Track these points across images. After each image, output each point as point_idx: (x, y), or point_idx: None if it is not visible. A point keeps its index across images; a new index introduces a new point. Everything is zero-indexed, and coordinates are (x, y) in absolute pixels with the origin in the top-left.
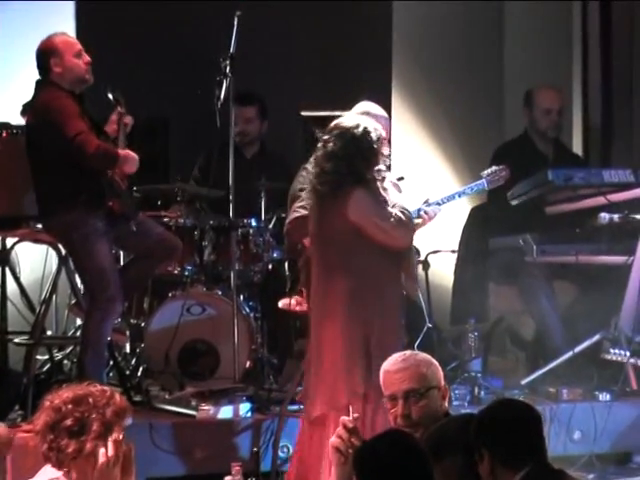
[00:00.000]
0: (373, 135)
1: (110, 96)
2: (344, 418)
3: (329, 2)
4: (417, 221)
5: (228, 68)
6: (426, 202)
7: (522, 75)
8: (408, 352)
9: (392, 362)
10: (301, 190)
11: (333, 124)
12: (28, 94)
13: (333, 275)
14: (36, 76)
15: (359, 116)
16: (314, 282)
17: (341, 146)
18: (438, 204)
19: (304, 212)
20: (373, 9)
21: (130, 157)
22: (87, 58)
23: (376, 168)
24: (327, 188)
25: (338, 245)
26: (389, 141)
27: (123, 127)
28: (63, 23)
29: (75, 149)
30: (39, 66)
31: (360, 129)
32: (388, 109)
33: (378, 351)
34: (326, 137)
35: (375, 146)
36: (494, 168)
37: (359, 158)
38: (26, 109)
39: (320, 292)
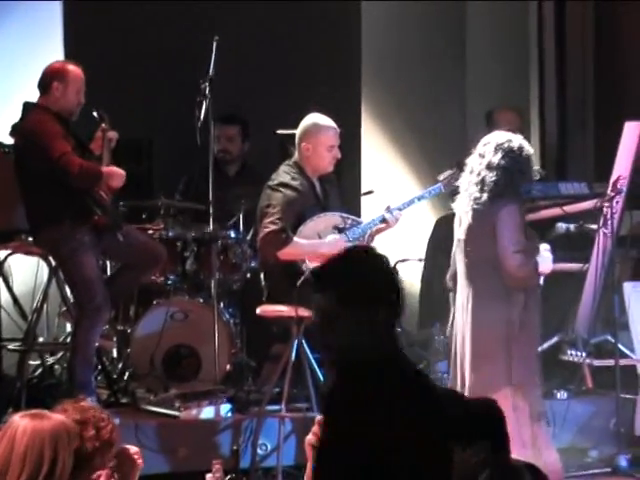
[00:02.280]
0: (527, 150)
1: (95, 114)
2: (319, 417)
3: (296, 20)
4: (380, 226)
5: (207, 90)
6: (387, 208)
7: (483, 93)
8: None
9: None
10: (267, 206)
11: (486, 139)
12: (16, 112)
13: (479, 275)
14: (22, 90)
15: (508, 133)
16: (460, 279)
17: (501, 158)
18: (399, 209)
19: (274, 227)
20: (343, 31)
21: (115, 173)
22: (82, 99)
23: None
24: (486, 197)
25: (484, 250)
26: (340, 148)
27: (107, 142)
28: (50, 23)
29: (60, 169)
30: (41, 82)
31: (515, 143)
32: (358, 127)
33: (519, 349)
34: (482, 150)
35: (530, 161)
36: (449, 172)
37: (518, 172)
38: (14, 130)
39: (466, 290)
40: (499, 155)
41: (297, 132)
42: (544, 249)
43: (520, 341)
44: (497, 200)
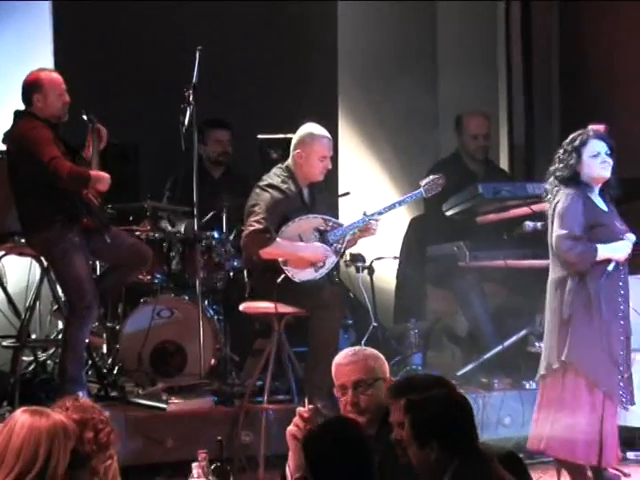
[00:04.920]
0: (584, 141)
1: (85, 117)
2: (300, 408)
3: (274, 25)
4: (363, 233)
5: (191, 97)
6: (368, 214)
7: (455, 97)
8: (357, 347)
9: (343, 356)
10: (254, 206)
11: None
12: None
13: (551, 259)
14: (11, 92)
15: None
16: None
17: (562, 151)
18: (380, 213)
19: (258, 226)
20: (320, 34)
21: (101, 177)
22: (67, 99)
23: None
24: (550, 187)
25: (550, 236)
26: (332, 159)
27: (96, 144)
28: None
29: (50, 173)
30: (23, 96)
31: (573, 136)
32: (335, 133)
33: (575, 330)
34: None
35: (584, 154)
36: (431, 177)
37: (573, 160)
38: (6, 137)
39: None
40: (562, 149)
41: (293, 139)
42: (628, 237)
43: (578, 323)
44: (558, 189)
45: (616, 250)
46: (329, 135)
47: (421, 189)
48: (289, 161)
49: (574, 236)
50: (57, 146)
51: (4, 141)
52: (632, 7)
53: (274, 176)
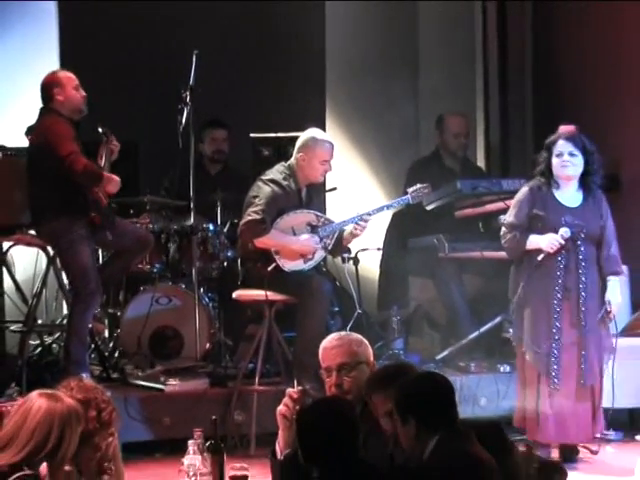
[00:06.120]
0: (550, 144)
1: (100, 130)
2: (289, 389)
3: (263, 27)
4: (356, 232)
5: (188, 98)
6: (358, 215)
7: (435, 99)
8: (343, 333)
9: (329, 340)
10: (254, 197)
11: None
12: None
13: None
14: (19, 93)
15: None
16: None
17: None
18: (369, 214)
19: (256, 216)
20: (307, 37)
21: (112, 179)
22: (83, 92)
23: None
24: None
25: None
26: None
27: (109, 152)
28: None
29: (66, 166)
30: (43, 95)
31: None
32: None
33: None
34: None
35: (551, 154)
36: (419, 186)
37: (545, 157)
38: (30, 131)
39: None
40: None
41: (297, 142)
42: (561, 231)
43: (516, 306)
44: None
45: (540, 241)
46: (331, 140)
47: (408, 196)
48: (292, 161)
49: (510, 224)
50: (77, 143)
51: (27, 134)
52: (603, 7)
53: (276, 172)
